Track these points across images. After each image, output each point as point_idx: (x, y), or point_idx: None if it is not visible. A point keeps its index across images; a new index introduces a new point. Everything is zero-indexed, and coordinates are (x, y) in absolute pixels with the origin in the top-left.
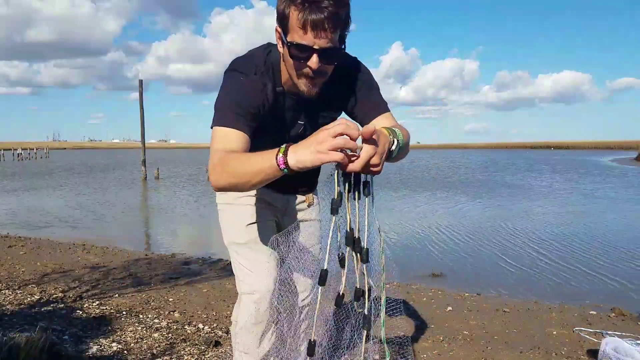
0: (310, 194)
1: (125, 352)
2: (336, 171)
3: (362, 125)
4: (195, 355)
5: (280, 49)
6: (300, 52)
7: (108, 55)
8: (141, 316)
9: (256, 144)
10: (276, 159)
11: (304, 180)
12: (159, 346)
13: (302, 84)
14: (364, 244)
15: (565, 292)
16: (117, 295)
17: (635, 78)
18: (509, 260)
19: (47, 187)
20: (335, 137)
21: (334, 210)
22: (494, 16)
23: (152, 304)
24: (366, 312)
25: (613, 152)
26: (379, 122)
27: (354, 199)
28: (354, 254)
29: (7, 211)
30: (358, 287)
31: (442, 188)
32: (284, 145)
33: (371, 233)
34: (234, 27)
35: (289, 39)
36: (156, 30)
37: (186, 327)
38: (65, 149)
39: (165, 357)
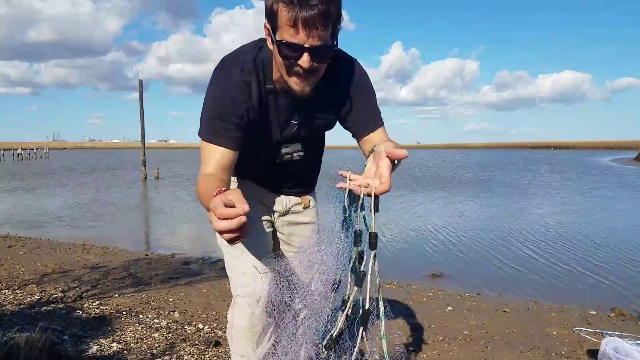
0: (307, 196)
1: (125, 352)
2: (346, 198)
3: (353, 134)
4: (195, 355)
5: (270, 46)
6: (290, 51)
7: (108, 55)
8: (141, 316)
9: (249, 146)
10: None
11: (300, 182)
12: (159, 346)
13: (294, 83)
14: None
15: (565, 292)
16: (117, 295)
17: (635, 78)
18: (509, 261)
19: (47, 187)
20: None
21: (373, 245)
22: (494, 16)
23: (152, 304)
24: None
25: (613, 152)
26: (375, 137)
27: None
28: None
29: (7, 211)
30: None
31: (442, 188)
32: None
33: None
34: (234, 27)
35: (278, 37)
36: (156, 30)
37: (186, 327)
38: (65, 149)
39: (165, 357)
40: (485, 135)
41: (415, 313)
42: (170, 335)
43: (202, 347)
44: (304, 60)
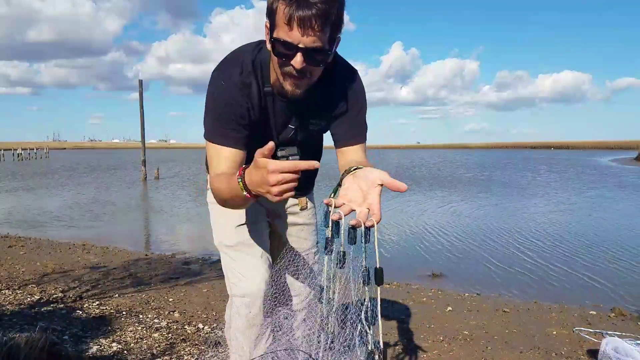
0: (304, 198)
1: (125, 352)
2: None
3: (335, 142)
4: (195, 355)
5: (268, 46)
6: (284, 49)
7: (108, 55)
8: (141, 316)
9: (250, 148)
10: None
11: (297, 184)
12: (159, 346)
13: (287, 84)
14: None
15: (565, 292)
16: (117, 295)
17: (635, 78)
18: (509, 261)
19: (47, 187)
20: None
21: (380, 280)
22: (494, 16)
23: (152, 304)
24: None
25: (613, 152)
26: (353, 153)
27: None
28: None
29: (7, 211)
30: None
31: (442, 188)
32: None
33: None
34: (234, 27)
35: (274, 35)
36: (156, 30)
37: (186, 327)
38: (65, 149)
39: (165, 357)
40: (486, 135)
41: (415, 313)
42: (170, 335)
43: (202, 347)
44: (297, 60)
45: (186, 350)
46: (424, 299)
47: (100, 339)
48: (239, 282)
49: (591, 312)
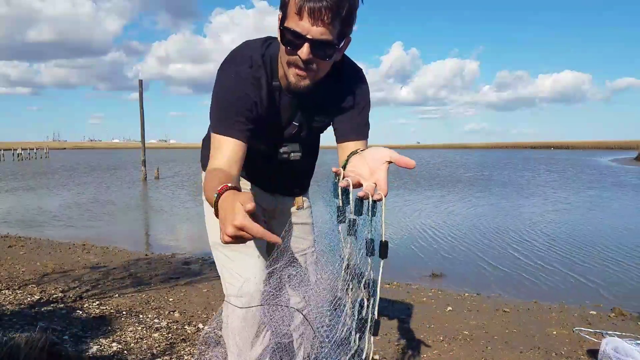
0: (300, 197)
1: (125, 352)
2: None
3: (337, 136)
4: (195, 355)
5: (277, 35)
6: (292, 37)
7: (108, 55)
8: (141, 316)
9: (252, 143)
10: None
11: (294, 182)
12: (159, 346)
13: (292, 74)
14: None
15: (565, 292)
16: (117, 295)
17: (635, 78)
18: (509, 260)
19: (47, 187)
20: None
21: (384, 254)
22: (494, 16)
23: (152, 304)
24: (364, 315)
25: (613, 152)
26: (354, 148)
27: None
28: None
29: (7, 211)
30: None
31: (442, 187)
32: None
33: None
34: (234, 27)
35: (285, 24)
36: (156, 30)
37: (186, 327)
38: (65, 149)
39: (165, 357)
40: (486, 135)
41: (415, 313)
42: (170, 335)
43: (202, 347)
44: (304, 51)
45: (186, 350)
46: (424, 299)
47: (100, 339)
48: (235, 281)
49: (591, 312)
